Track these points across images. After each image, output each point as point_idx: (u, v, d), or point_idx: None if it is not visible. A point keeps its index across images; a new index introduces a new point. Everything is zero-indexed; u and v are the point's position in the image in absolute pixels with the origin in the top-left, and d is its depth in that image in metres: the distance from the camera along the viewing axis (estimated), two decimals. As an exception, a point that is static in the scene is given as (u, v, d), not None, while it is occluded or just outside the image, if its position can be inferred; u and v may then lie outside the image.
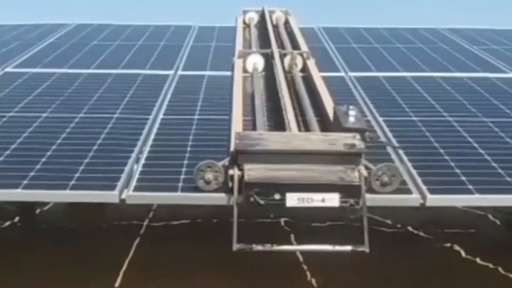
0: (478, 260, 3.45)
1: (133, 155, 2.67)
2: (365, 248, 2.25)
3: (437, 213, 3.66)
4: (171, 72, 3.95)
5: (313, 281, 3.18)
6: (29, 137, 2.88)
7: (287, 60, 3.93)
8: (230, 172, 2.28)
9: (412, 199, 2.44)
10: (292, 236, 3.69)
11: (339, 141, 2.41)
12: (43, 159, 2.62)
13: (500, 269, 3.33)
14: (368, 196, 2.34)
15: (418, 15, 8.13)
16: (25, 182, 2.43)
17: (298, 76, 3.75)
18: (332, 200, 2.22)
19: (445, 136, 2.99)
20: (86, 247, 3.45)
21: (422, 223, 3.86)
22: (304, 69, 3.91)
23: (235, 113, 3.07)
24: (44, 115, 3.16)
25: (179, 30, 5.23)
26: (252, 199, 2.21)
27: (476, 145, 2.88)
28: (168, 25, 5.35)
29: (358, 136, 2.46)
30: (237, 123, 2.91)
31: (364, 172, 2.33)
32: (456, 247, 3.61)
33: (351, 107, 2.74)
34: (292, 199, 2.22)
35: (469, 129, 3.07)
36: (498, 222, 3.98)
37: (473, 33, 5.27)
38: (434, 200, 2.42)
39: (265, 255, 2.59)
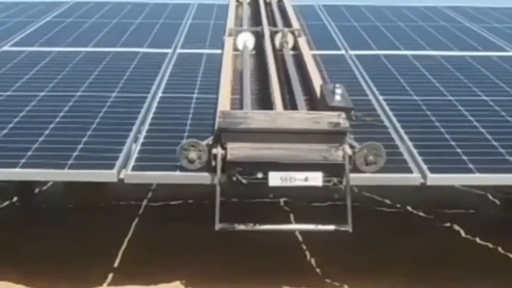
0: (477, 239, 3.45)
1: (131, 134, 2.65)
2: (348, 228, 2.23)
3: (436, 193, 3.65)
4: (169, 51, 3.92)
5: (313, 261, 3.19)
6: (27, 116, 2.85)
7: (278, 38, 3.91)
8: (214, 151, 2.27)
9: (413, 178, 2.42)
10: (292, 216, 3.69)
11: (323, 119, 2.39)
12: (41, 138, 2.60)
13: (499, 248, 3.33)
14: (365, 175, 2.33)
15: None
16: (23, 161, 2.40)
17: (289, 54, 3.72)
18: (315, 179, 2.21)
19: (446, 115, 2.97)
20: (84, 226, 3.44)
21: (421, 203, 3.86)
22: (295, 47, 3.88)
23: (222, 92, 3.05)
24: (42, 94, 3.13)
25: (177, 8, 5.19)
26: (234, 178, 2.20)
27: (477, 124, 2.86)
28: (167, 3, 5.31)
29: (343, 114, 2.44)
30: (224, 102, 2.89)
31: (349, 151, 2.30)
32: (456, 227, 3.60)
33: (337, 85, 2.72)
34: (275, 178, 2.20)
35: (470, 108, 3.05)
36: (498, 202, 3.98)
37: (474, 11, 5.23)
38: (435, 179, 2.40)
39: (266, 235, 2.61)
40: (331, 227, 2.24)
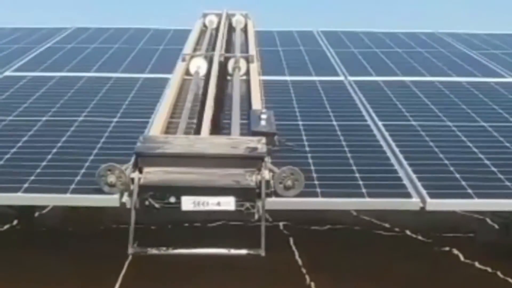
0: (476, 264, 3.45)
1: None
2: (261, 252, 2.25)
3: (435, 217, 3.67)
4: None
5: (312, 284, 3.19)
6: (29, 140, 2.88)
7: (231, 63, 3.97)
8: (132, 175, 2.29)
9: (412, 203, 2.44)
10: (292, 240, 3.70)
11: (242, 144, 2.43)
12: (44, 163, 2.62)
13: (498, 273, 3.34)
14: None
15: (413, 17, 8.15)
16: (26, 185, 2.43)
17: (237, 79, 3.78)
18: (228, 203, 2.24)
19: (445, 141, 3.00)
20: (85, 249, 3.45)
21: (420, 227, 3.87)
22: (248, 72, 3.94)
23: (159, 115, 3.08)
24: (44, 118, 3.16)
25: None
26: (147, 202, 2.23)
27: (475, 150, 2.89)
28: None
29: (263, 139, 2.48)
30: (156, 125, 2.91)
31: (266, 176, 2.32)
32: (455, 251, 3.61)
33: (264, 111, 2.79)
34: (187, 203, 2.23)
35: (468, 134, 3.08)
36: (497, 226, 3.99)
37: (471, 38, 5.29)
38: (434, 204, 2.42)
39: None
40: (243, 252, 2.26)
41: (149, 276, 3.18)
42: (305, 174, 2.42)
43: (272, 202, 2.36)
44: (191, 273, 3.21)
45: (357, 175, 2.59)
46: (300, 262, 3.41)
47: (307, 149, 2.86)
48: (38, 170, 2.55)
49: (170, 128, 3.01)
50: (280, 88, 3.84)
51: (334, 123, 3.22)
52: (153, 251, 2.26)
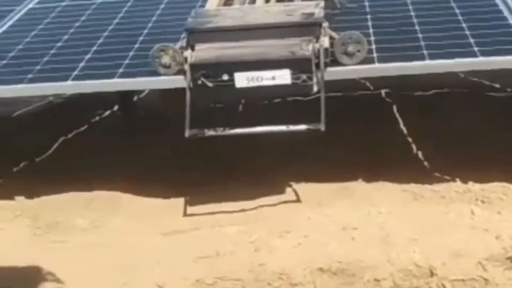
0: None
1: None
2: (321, 126, 2.12)
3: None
4: None
5: (419, 154, 2.97)
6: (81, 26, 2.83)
7: None
8: (184, 53, 2.18)
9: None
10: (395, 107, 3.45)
11: (297, 11, 2.25)
12: (94, 48, 2.58)
13: None
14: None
15: None
16: (121, 70, 2.37)
17: None
18: (283, 77, 2.10)
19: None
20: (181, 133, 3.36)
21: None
22: None
23: None
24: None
25: None
26: (199, 81, 2.12)
27: None
28: None
29: (322, 3, 2.28)
30: None
31: (325, 43, 2.15)
32: None
33: None
34: (241, 79, 2.11)
35: None
36: None
37: None
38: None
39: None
40: (302, 127, 2.15)
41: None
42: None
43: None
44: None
45: (467, 32, 2.37)
46: (405, 130, 3.18)
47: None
48: (88, 56, 2.49)
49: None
50: None
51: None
52: (210, 132, 2.19)
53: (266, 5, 2.50)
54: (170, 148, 3.11)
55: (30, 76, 2.42)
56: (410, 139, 3.10)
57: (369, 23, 2.49)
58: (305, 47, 2.12)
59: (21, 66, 2.52)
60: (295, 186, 2.62)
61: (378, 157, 2.88)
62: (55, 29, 2.85)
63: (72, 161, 3.03)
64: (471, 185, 2.57)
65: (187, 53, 2.19)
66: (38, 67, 2.49)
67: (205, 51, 2.17)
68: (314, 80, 2.10)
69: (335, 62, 2.20)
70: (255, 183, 2.61)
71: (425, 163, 2.87)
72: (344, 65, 2.19)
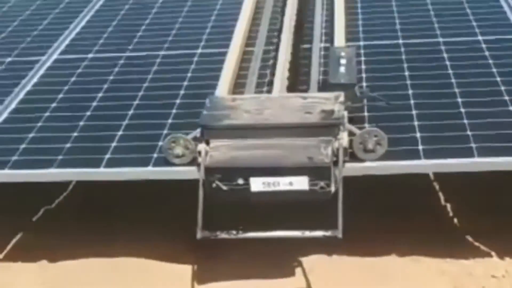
0: None
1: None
2: (338, 233, 2.04)
3: None
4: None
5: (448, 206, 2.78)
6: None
7: None
8: (199, 146, 2.15)
9: None
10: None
11: (316, 107, 2.20)
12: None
13: None
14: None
15: None
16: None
17: None
18: (301, 183, 2.05)
19: None
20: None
21: None
22: None
23: (232, 50, 2.84)
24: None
25: None
26: (214, 184, 2.07)
27: None
28: None
29: (341, 96, 2.24)
30: (226, 77, 2.64)
31: (344, 142, 2.10)
32: None
33: (343, 53, 2.50)
34: (257, 184, 2.06)
35: None
36: None
37: None
38: None
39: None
40: (319, 233, 2.06)
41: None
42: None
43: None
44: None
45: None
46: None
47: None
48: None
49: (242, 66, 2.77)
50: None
51: (480, 38, 2.78)
52: (223, 235, 2.14)
53: (283, 96, 2.44)
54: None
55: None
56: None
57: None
58: (324, 151, 2.06)
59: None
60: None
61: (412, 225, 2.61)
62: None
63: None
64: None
65: (202, 147, 2.15)
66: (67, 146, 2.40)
67: (220, 152, 2.13)
68: (333, 186, 2.05)
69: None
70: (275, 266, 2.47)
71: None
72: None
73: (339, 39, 2.82)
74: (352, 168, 2.11)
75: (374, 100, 2.38)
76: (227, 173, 2.07)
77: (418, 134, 2.23)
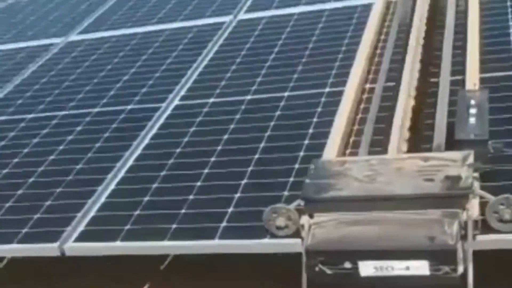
0: None
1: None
2: None
3: None
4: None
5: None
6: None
7: None
8: (301, 220, 1.85)
9: None
10: None
11: (439, 172, 1.83)
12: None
13: None
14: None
15: None
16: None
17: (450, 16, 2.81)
18: (420, 268, 1.72)
19: None
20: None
21: None
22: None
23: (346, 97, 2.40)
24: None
25: None
26: (317, 268, 1.78)
27: None
28: None
29: (471, 156, 1.86)
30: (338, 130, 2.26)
31: (475, 214, 1.75)
32: None
33: (478, 92, 2.12)
34: (367, 268, 1.75)
35: None
36: None
37: None
38: None
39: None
40: None
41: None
42: None
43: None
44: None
45: None
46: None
47: None
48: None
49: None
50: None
51: None
52: None
53: (400, 158, 2.05)
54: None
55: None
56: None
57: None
58: (448, 230, 1.72)
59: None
60: None
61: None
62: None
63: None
64: None
65: (305, 220, 1.86)
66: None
67: (324, 229, 1.83)
68: (460, 267, 1.71)
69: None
70: None
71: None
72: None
73: (472, 75, 2.35)
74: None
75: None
76: (332, 256, 1.79)
77: None
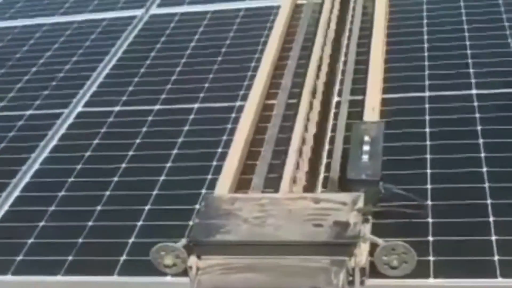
0: None
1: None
2: None
3: None
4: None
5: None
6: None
7: None
8: (189, 261, 1.81)
9: None
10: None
11: (329, 217, 1.80)
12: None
13: None
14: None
15: None
16: None
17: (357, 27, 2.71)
18: None
19: None
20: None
21: None
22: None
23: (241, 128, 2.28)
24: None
25: None
26: None
27: None
28: None
29: (361, 199, 1.83)
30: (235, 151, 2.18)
31: (362, 261, 1.72)
32: None
33: (374, 124, 2.06)
34: None
35: None
36: None
37: None
38: None
39: None
40: None
41: None
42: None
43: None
44: None
45: None
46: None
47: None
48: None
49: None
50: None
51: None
52: None
53: (290, 198, 1.98)
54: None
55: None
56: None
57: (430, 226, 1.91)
58: (334, 279, 1.70)
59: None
60: None
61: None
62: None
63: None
64: None
65: (193, 261, 1.82)
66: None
67: (209, 276, 1.79)
68: None
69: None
70: None
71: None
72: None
73: (372, 97, 2.23)
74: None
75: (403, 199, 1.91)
76: None
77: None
